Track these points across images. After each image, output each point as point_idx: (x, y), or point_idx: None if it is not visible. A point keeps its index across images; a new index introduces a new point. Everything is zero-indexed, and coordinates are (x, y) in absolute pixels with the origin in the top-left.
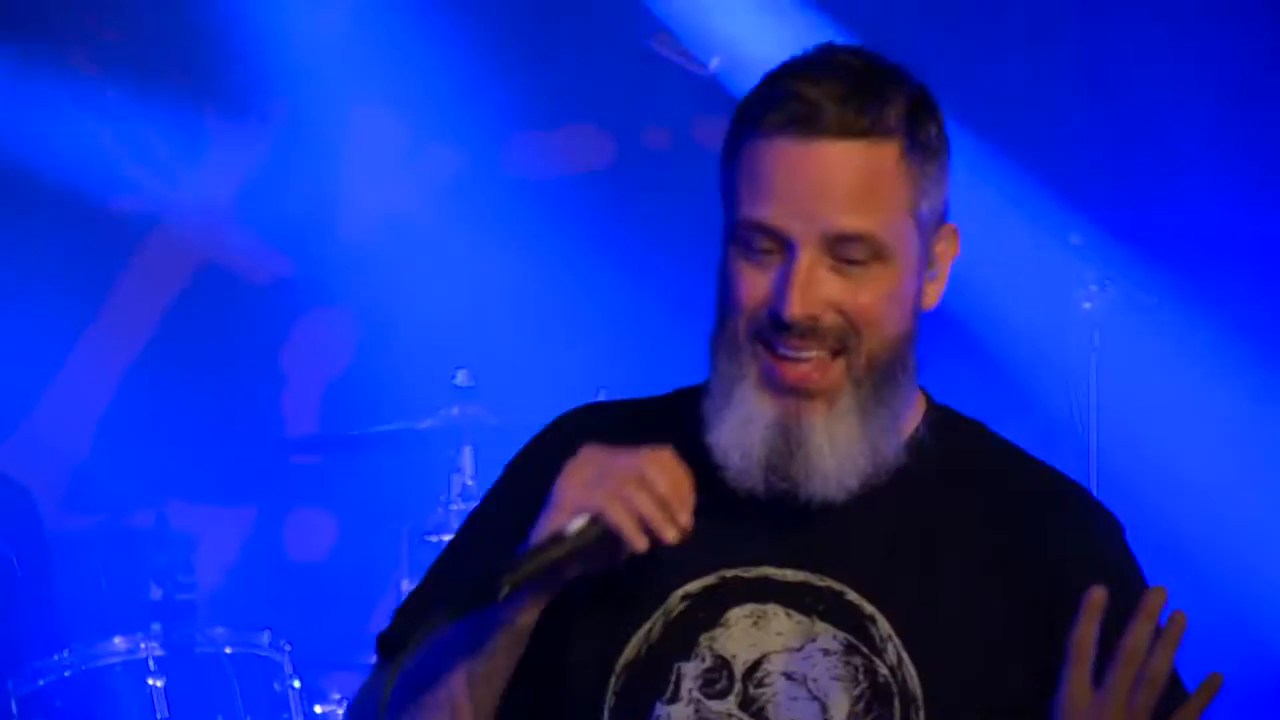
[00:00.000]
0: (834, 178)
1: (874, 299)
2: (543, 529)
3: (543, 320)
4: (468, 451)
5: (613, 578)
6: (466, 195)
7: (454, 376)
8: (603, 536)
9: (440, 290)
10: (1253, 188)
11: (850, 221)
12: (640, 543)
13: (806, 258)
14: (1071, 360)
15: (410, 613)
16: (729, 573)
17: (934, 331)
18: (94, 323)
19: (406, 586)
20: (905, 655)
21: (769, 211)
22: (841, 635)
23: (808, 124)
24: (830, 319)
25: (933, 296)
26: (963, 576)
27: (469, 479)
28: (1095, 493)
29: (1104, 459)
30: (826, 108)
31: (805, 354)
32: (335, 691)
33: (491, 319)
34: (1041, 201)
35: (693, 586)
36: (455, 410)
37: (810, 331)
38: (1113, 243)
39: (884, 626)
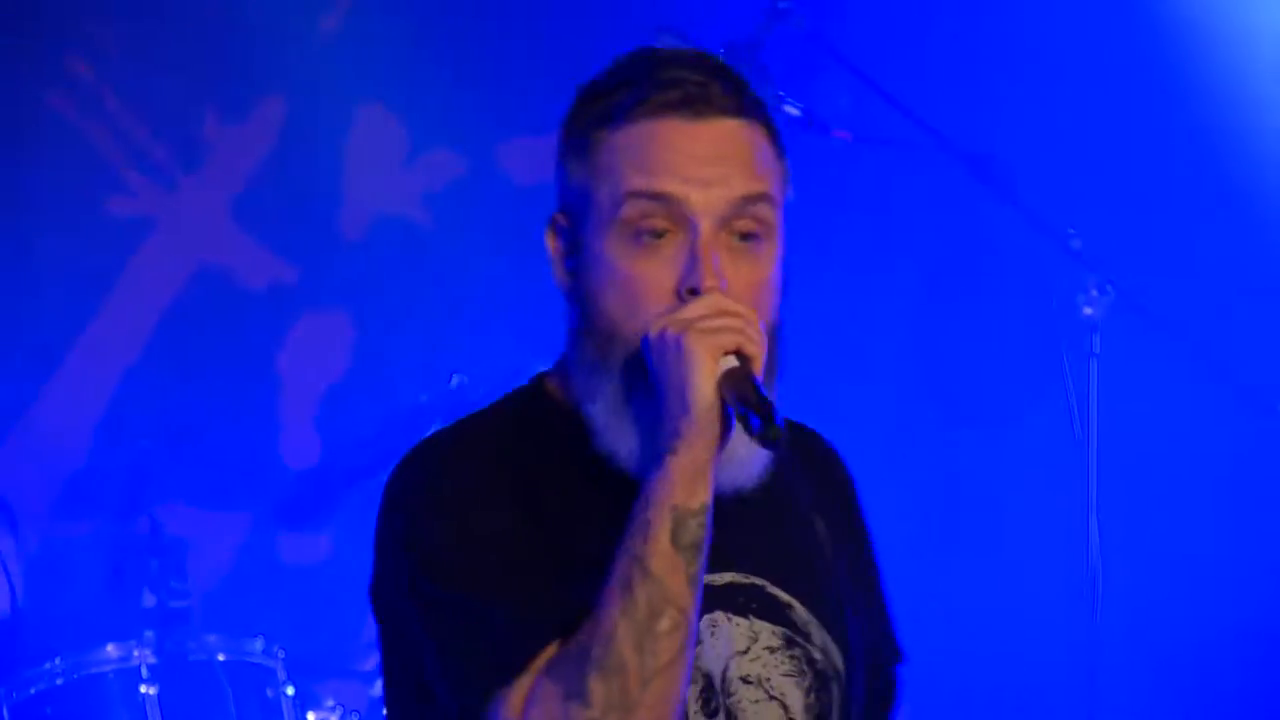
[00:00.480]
0: (730, 149)
1: (759, 280)
2: (704, 379)
3: (540, 325)
4: None
5: (575, 600)
6: (465, 199)
7: (450, 382)
8: (749, 367)
9: (438, 295)
10: (1255, 188)
11: (750, 184)
12: (763, 370)
13: (709, 231)
14: (1071, 366)
15: (503, 646)
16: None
17: (925, 337)
18: (90, 326)
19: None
20: (827, 637)
21: (666, 181)
22: (779, 630)
23: (695, 104)
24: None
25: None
26: (831, 546)
27: None
28: (1097, 509)
29: (1105, 471)
30: (706, 88)
31: None
32: (329, 699)
33: (489, 324)
34: (1039, 200)
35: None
36: (449, 416)
37: None
38: (1115, 245)
39: (801, 613)
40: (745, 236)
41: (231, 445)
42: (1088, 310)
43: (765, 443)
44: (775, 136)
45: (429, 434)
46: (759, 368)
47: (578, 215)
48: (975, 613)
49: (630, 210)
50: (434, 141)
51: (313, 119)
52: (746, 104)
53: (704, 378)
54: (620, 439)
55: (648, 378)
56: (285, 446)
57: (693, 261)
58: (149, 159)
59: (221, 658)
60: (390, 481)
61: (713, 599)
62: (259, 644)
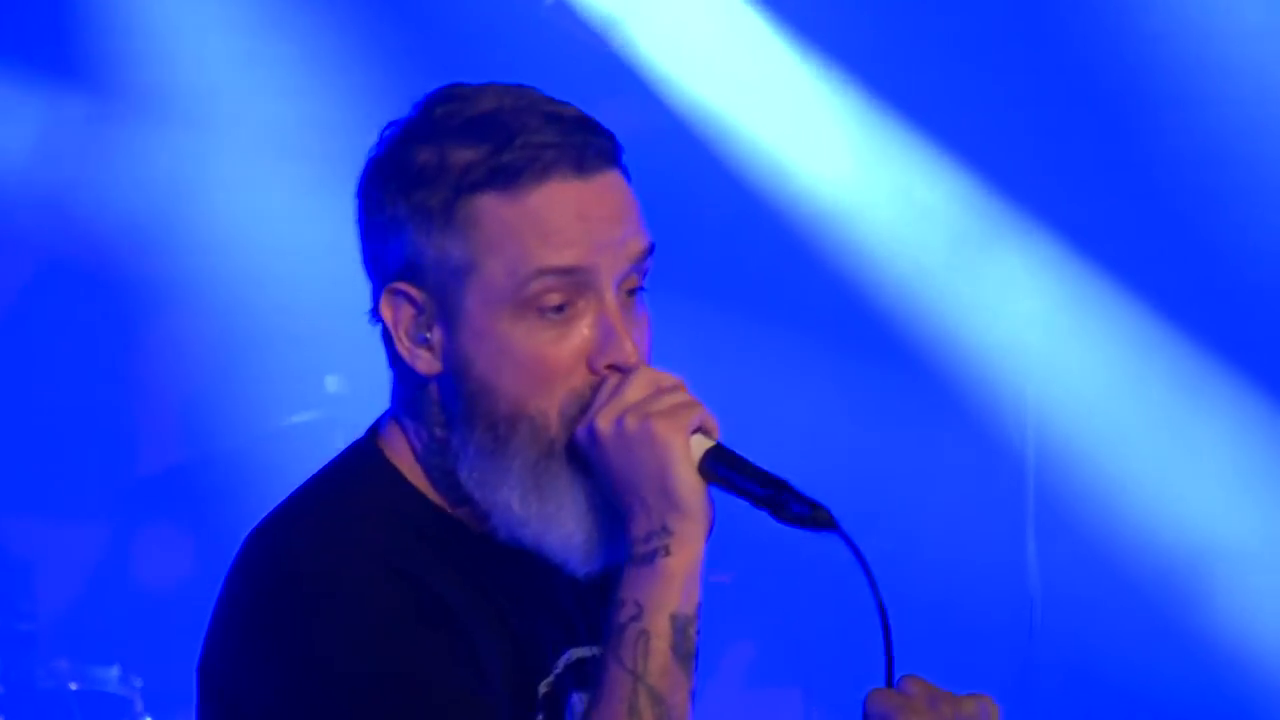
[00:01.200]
0: (622, 202)
1: (646, 336)
2: (686, 470)
3: None
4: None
5: (490, 684)
6: (341, 186)
7: (325, 383)
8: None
9: (311, 288)
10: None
11: (643, 241)
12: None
13: (611, 297)
14: (1006, 363)
15: None
16: (552, 676)
17: (854, 329)
18: None
19: None
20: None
21: (575, 254)
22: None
23: (583, 162)
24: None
25: None
26: None
27: None
28: (1031, 505)
29: (1042, 471)
30: (585, 142)
31: None
32: None
33: (365, 322)
34: (972, 189)
35: (544, 686)
36: (323, 418)
37: None
38: (1050, 234)
39: None
40: (633, 291)
41: (83, 452)
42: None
43: (811, 525)
44: (625, 167)
45: (284, 518)
46: (717, 436)
47: (443, 288)
48: (908, 618)
49: (537, 287)
50: (305, 125)
51: (176, 103)
52: (616, 146)
53: (686, 466)
54: (547, 528)
55: (586, 468)
56: (143, 454)
57: (608, 333)
58: None
59: (73, 686)
60: (252, 571)
61: (583, 675)
62: (115, 671)
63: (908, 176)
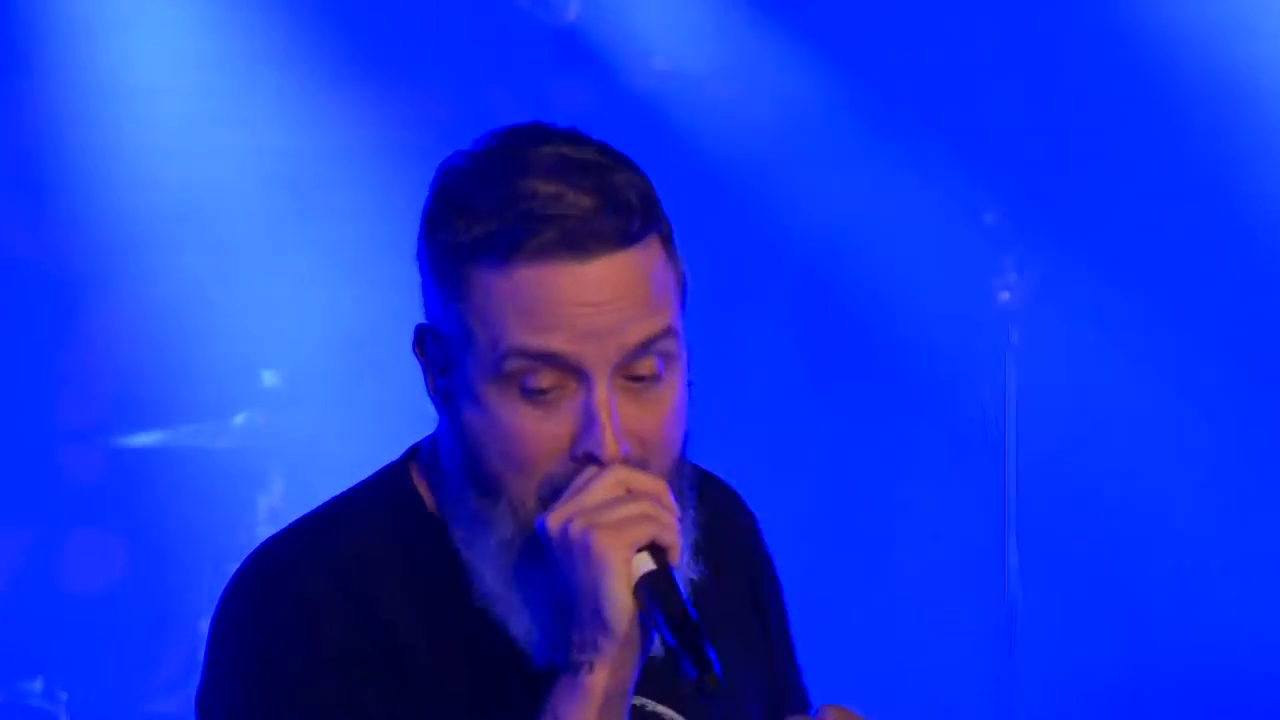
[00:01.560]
0: (621, 291)
1: (668, 415)
2: (620, 591)
3: (365, 313)
4: (276, 465)
5: None
6: (276, 169)
7: (260, 378)
8: (666, 565)
9: (246, 279)
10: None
11: (646, 328)
12: (681, 556)
13: (604, 385)
14: (985, 360)
15: None
16: None
17: (826, 327)
18: None
19: (204, 627)
20: None
21: (555, 339)
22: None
23: (582, 243)
24: (635, 451)
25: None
26: (724, 641)
27: (278, 499)
28: (1014, 514)
29: (1023, 473)
30: (592, 222)
31: None
32: None
33: (305, 312)
34: (950, 174)
35: None
36: (260, 417)
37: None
38: (1033, 223)
39: None
40: (643, 378)
41: (3, 450)
42: (1004, 296)
43: (700, 691)
44: (668, 237)
45: (278, 539)
46: (676, 556)
47: (451, 343)
48: (880, 632)
49: (514, 366)
50: (238, 103)
51: (100, 80)
52: (635, 223)
53: (619, 587)
54: (512, 612)
55: (545, 560)
56: (70, 453)
57: (589, 423)
58: None
59: None
60: (223, 602)
61: None
62: (38, 684)
63: (887, 160)
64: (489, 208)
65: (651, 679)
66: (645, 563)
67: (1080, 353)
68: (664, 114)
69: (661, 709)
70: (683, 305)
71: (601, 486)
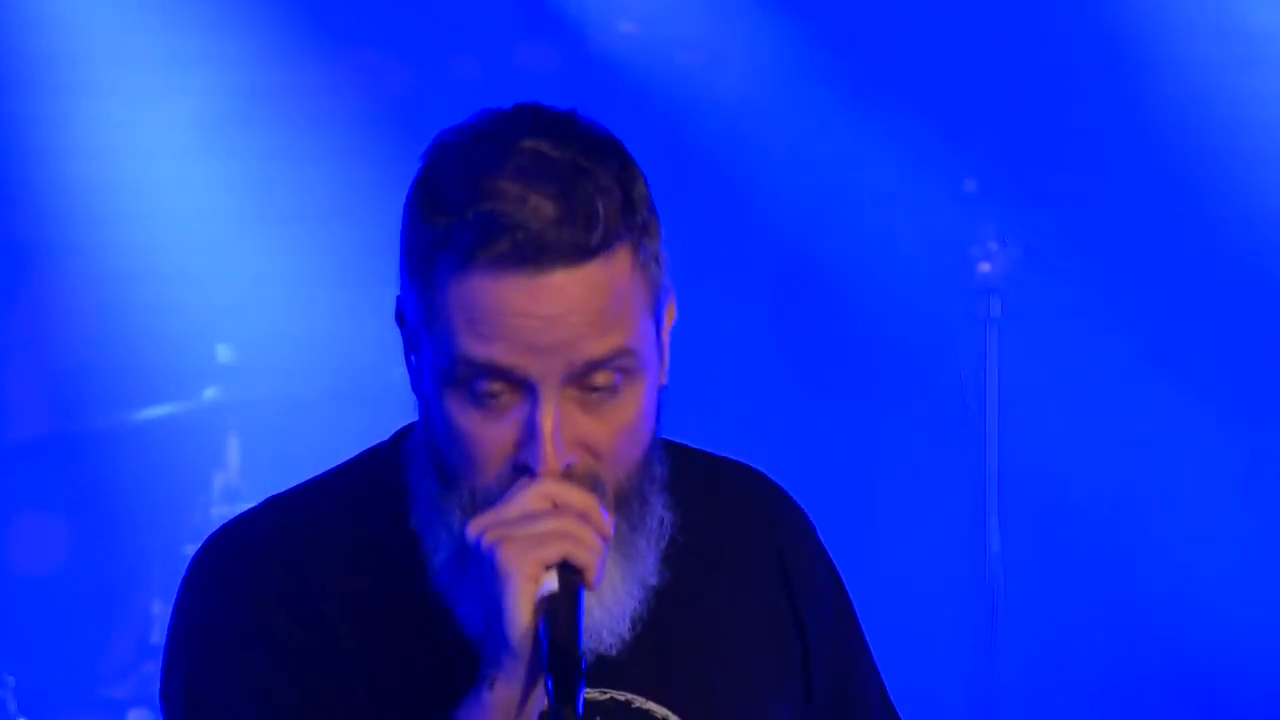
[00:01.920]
0: (573, 307)
1: (625, 426)
2: (519, 610)
3: (322, 284)
4: (233, 442)
5: None
6: (228, 131)
7: (214, 352)
8: (574, 586)
9: (198, 248)
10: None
11: (598, 346)
12: (599, 576)
13: (551, 398)
14: (964, 334)
15: None
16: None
17: (798, 301)
18: None
19: (157, 609)
20: None
21: (499, 351)
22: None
23: (534, 257)
24: (583, 462)
25: (664, 376)
26: (728, 641)
27: (235, 476)
28: (995, 496)
29: (1004, 452)
30: (552, 233)
31: None
32: None
33: (260, 283)
34: (927, 140)
35: None
36: (216, 393)
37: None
38: (1015, 191)
39: None
40: (600, 389)
41: None
42: (984, 267)
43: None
44: (641, 246)
45: (242, 516)
46: (591, 578)
47: (414, 329)
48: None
49: (462, 372)
50: (188, 59)
51: (37, 24)
52: (596, 236)
53: (519, 606)
54: (461, 599)
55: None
56: (10, 431)
57: (529, 435)
58: None
59: None
60: (185, 575)
61: None
62: None
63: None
64: (455, 202)
65: (639, 673)
66: (550, 585)
67: (1064, 326)
68: (633, 80)
69: (651, 705)
70: (657, 313)
71: (523, 499)
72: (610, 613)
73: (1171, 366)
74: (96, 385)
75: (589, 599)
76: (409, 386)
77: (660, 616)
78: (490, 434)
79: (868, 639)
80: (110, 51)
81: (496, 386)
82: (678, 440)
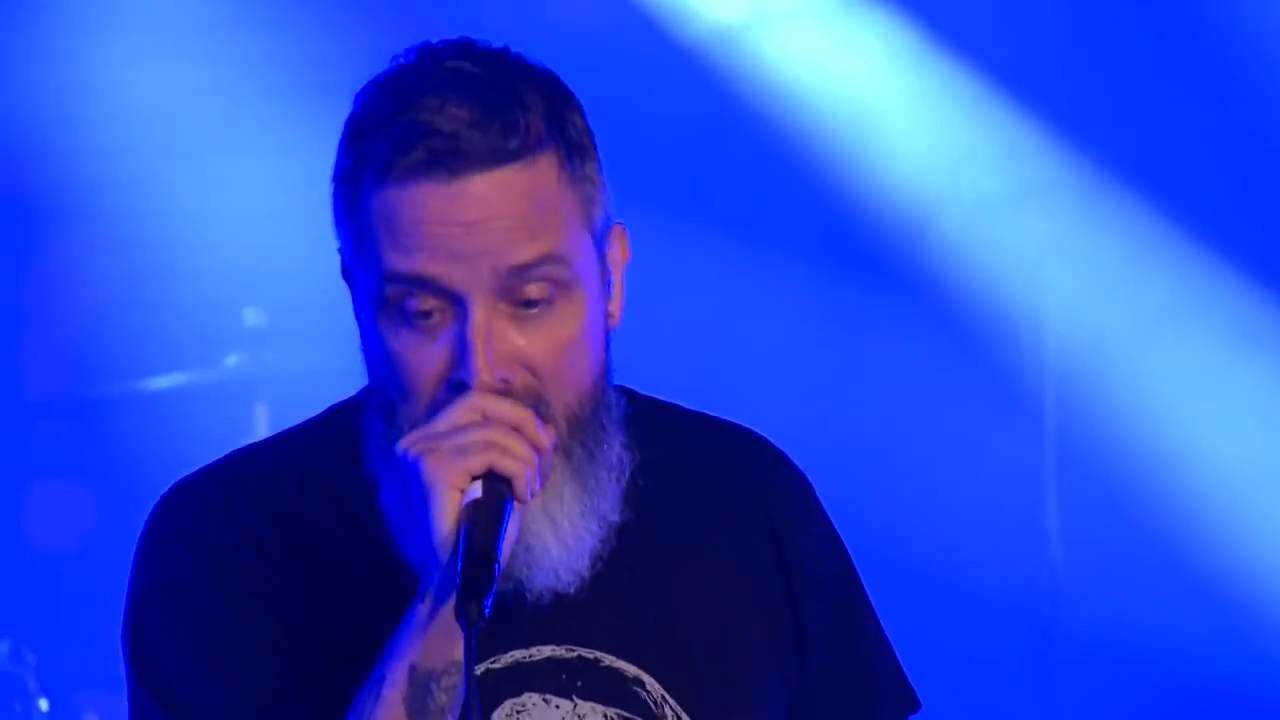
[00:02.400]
0: (494, 211)
1: (564, 342)
2: (442, 519)
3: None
4: (261, 410)
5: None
6: (257, 89)
7: (242, 316)
8: (500, 494)
9: (224, 208)
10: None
11: (524, 251)
12: (531, 486)
13: (481, 309)
14: (1020, 297)
15: None
16: (478, 670)
17: (855, 261)
18: None
19: None
20: (683, 714)
21: (424, 261)
22: (612, 711)
23: (449, 161)
24: (521, 379)
25: (616, 314)
26: (706, 599)
27: None
28: (1053, 462)
29: (1063, 422)
30: (466, 136)
31: None
32: (91, 712)
33: (288, 244)
34: (976, 89)
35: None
36: (243, 359)
37: (505, 396)
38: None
39: (655, 687)
40: (531, 303)
41: None
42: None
43: (459, 617)
44: (569, 159)
45: (207, 465)
46: (521, 487)
47: (351, 268)
48: (914, 593)
49: (390, 291)
50: (216, 16)
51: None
52: (516, 140)
53: (444, 515)
54: (405, 532)
55: None
56: (34, 399)
57: (461, 349)
58: None
59: None
60: (143, 525)
61: (526, 679)
62: (4, 647)
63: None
64: (374, 126)
65: (606, 625)
66: (474, 493)
67: (1120, 295)
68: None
69: (621, 664)
70: (596, 233)
71: (452, 412)
72: (568, 548)
73: (1235, 328)
74: (121, 354)
75: (545, 535)
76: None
77: (625, 561)
78: (424, 355)
79: (909, 617)
80: (134, 16)
81: (427, 303)
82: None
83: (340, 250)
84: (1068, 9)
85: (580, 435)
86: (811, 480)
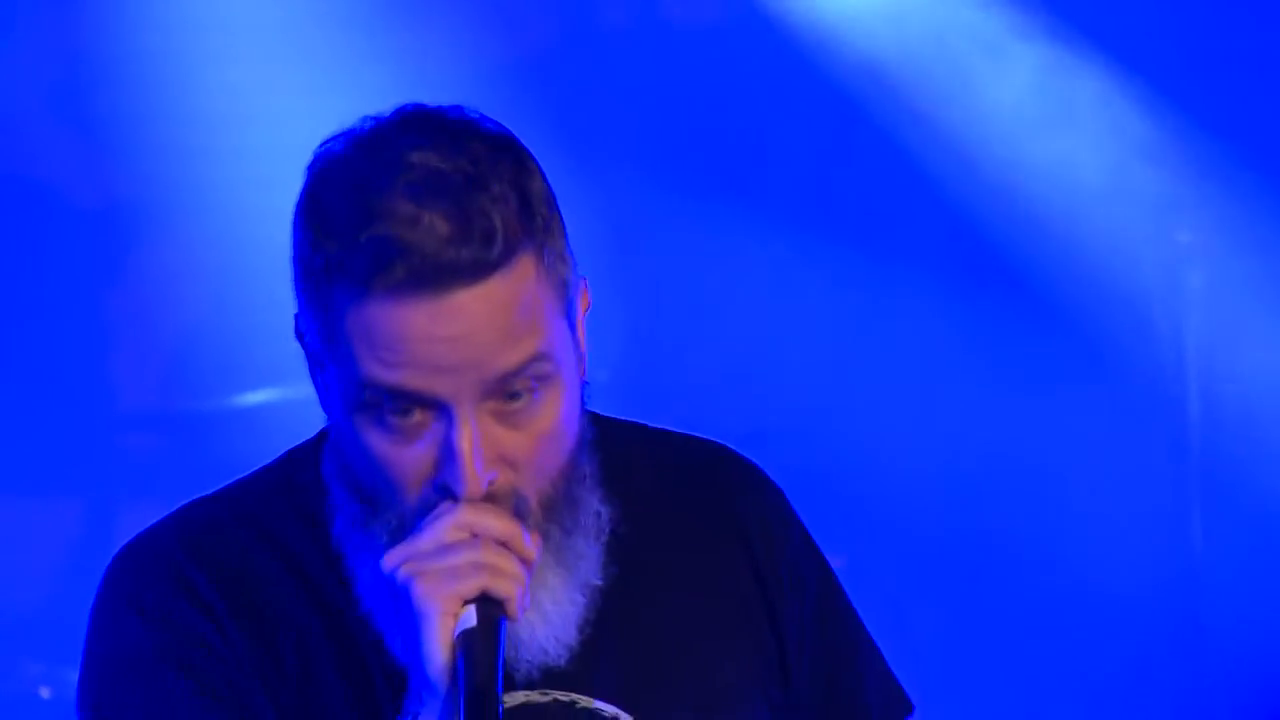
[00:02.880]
0: (480, 324)
1: (545, 433)
2: (437, 649)
3: None
4: None
5: None
6: (360, 87)
7: None
8: (494, 618)
9: None
10: None
11: (510, 359)
12: (523, 603)
13: (466, 417)
14: (1162, 310)
15: None
16: None
17: (984, 273)
18: None
19: None
20: None
21: (407, 377)
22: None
23: (433, 280)
24: (502, 477)
25: (584, 368)
26: (684, 634)
27: None
28: (1199, 484)
29: (1207, 434)
30: (447, 253)
31: None
32: None
33: None
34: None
35: None
36: None
37: (488, 500)
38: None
39: None
40: (515, 396)
41: (52, 412)
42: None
43: None
44: (544, 249)
45: (158, 523)
46: (513, 609)
47: (317, 353)
48: (1053, 604)
49: (370, 397)
50: (313, 13)
51: None
52: (496, 250)
53: (437, 642)
54: (386, 625)
55: None
56: (126, 414)
57: (447, 457)
58: None
59: (44, 693)
60: (97, 590)
61: None
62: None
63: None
64: (345, 225)
65: (586, 676)
66: (468, 620)
67: (1270, 298)
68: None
69: (599, 705)
70: (569, 313)
71: (438, 530)
72: (553, 625)
73: None
74: (214, 366)
75: (531, 616)
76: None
77: (607, 614)
78: (407, 457)
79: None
80: (231, 16)
81: (407, 408)
82: (642, 421)
83: (302, 326)
84: (1212, 12)
85: (556, 515)
86: (787, 487)
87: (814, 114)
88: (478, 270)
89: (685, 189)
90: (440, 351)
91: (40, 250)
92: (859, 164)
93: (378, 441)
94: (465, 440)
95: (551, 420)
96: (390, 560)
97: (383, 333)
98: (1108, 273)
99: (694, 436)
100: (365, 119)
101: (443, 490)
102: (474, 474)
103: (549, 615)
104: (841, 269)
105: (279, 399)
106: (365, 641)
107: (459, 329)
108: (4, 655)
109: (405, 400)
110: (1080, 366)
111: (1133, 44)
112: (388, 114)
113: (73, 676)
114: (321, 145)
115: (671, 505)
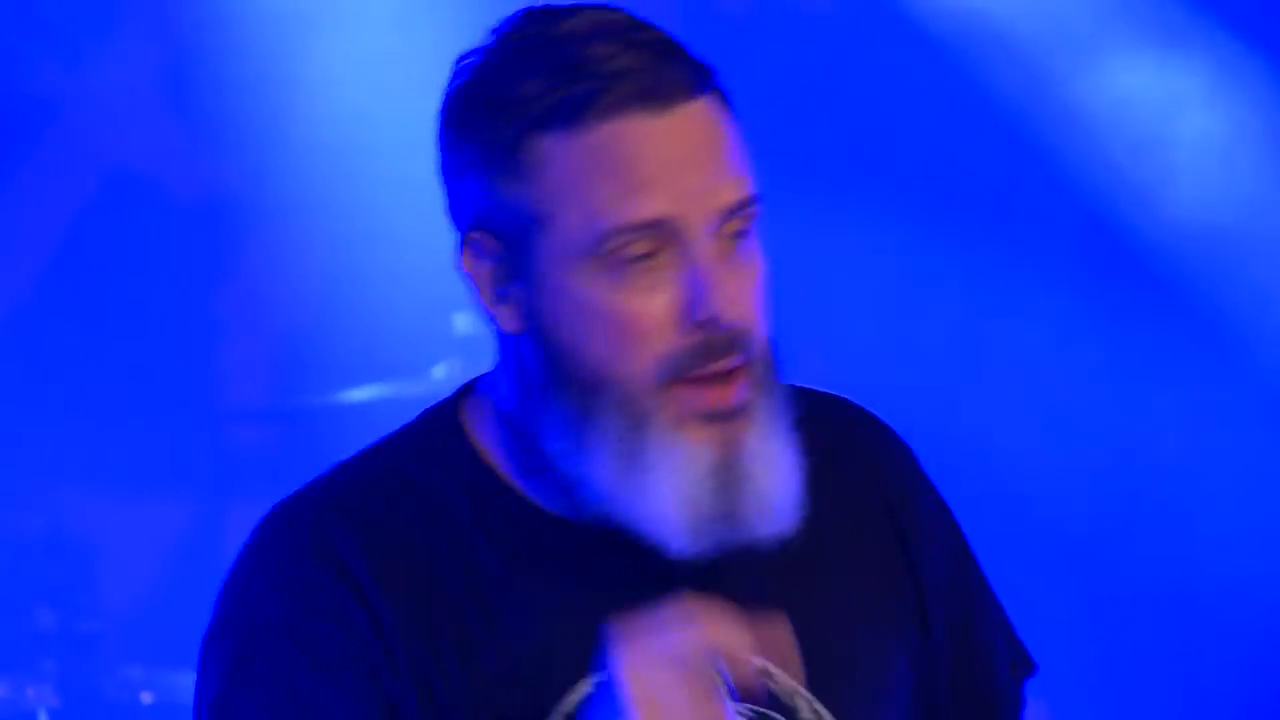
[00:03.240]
0: (707, 141)
1: (760, 287)
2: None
3: None
4: None
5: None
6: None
7: (452, 323)
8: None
9: (434, 207)
10: None
11: (738, 190)
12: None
13: (707, 249)
14: None
15: None
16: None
17: (1099, 257)
18: None
19: None
20: (816, 704)
21: (656, 204)
22: (743, 706)
23: (657, 92)
24: (743, 324)
25: None
26: (833, 586)
27: None
28: None
29: None
30: (661, 71)
31: (736, 365)
32: None
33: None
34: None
35: (569, 704)
36: (452, 369)
37: (736, 342)
38: None
39: (784, 680)
40: (736, 235)
41: (158, 411)
42: None
43: None
44: (727, 95)
45: (306, 486)
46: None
47: (517, 238)
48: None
49: (615, 243)
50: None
51: None
52: (701, 75)
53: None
54: (642, 503)
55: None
56: (234, 413)
57: (698, 288)
58: (47, 28)
59: (146, 698)
60: (237, 556)
61: None
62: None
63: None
64: (539, 85)
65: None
66: None
67: None
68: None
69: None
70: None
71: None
72: (785, 489)
73: None
74: (322, 361)
75: (758, 467)
76: (494, 334)
77: (786, 578)
78: (649, 304)
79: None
80: (339, 12)
81: (647, 245)
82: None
83: (495, 222)
84: None
85: (771, 377)
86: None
87: (944, 100)
88: (692, 87)
89: (813, 178)
90: (679, 173)
91: (149, 246)
92: (990, 152)
93: (614, 295)
94: (714, 267)
95: (764, 273)
96: (599, 678)
97: (617, 158)
98: (1248, 267)
99: (829, 392)
100: (490, 31)
101: (696, 328)
102: (729, 298)
103: (778, 471)
104: (973, 259)
105: (387, 395)
106: (567, 560)
107: (690, 149)
108: (107, 659)
109: (650, 232)
110: (1217, 360)
111: None
112: (513, 20)
113: (177, 681)
114: (457, 66)
115: (820, 458)
